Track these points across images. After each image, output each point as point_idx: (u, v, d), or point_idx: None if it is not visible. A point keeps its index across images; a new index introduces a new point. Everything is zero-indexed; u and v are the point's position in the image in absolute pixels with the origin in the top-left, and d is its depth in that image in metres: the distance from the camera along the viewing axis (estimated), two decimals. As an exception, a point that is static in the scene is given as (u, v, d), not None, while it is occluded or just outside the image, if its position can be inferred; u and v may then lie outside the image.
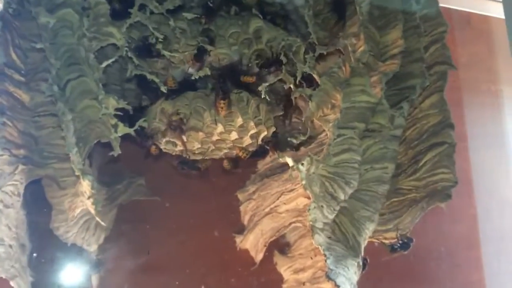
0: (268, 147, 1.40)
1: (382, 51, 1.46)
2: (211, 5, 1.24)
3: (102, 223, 1.12)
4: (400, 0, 1.48)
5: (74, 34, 1.12)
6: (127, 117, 1.12)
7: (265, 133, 1.35)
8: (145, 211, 1.48)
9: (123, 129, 1.07)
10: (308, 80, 1.32)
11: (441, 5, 2.46)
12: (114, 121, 1.06)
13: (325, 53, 1.33)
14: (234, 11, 1.29)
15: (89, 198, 1.06)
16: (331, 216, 1.22)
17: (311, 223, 1.17)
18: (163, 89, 1.16)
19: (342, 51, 1.37)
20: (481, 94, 2.46)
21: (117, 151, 1.06)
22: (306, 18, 1.32)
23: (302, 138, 1.42)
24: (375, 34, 1.45)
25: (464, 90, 2.41)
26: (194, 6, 1.25)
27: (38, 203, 1.21)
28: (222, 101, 1.24)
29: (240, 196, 1.64)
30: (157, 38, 1.16)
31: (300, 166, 1.19)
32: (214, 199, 1.62)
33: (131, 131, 1.08)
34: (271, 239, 1.51)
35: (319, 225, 1.19)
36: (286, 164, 1.25)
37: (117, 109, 1.08)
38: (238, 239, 1.56)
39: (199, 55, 1.18)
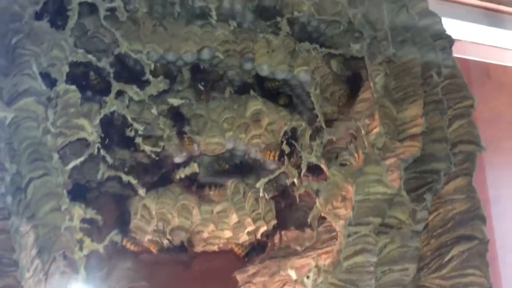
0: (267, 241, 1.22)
1: (400, 128, 1.27)
2: (202, 88, 1.08)
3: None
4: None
5: (38, 127, 0.95)
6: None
7: (265, 228, 1.16)
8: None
9: (90, 246, 0.88)
10: (313, 169, 1.13)
11: (458, 55, 2.29)
12: (79, 235, 0.88)
13: (334, 139, 1.15)
14: (229, 92, 1.12)
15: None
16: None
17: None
18: (142, 192, 0.98)
19: (354, 134, 1.20)
20: (503, 153, 2.27)
21: (81, 275, 0.87)
22: (312, 98, 1.15)
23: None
24: (391, 109, 1.27)
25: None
26: (182, 89, 1.08)
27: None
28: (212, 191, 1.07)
29: (239, 277, 1.44)
30: (136, 131, 0.99)
31: (305, 280, 1.00)
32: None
33: (100, 247, 0.90)
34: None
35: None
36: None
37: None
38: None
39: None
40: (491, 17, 2.28)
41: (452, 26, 2.12)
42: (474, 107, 1.33)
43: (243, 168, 1.16)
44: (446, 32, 1.38)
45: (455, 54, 2.35)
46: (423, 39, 1.35)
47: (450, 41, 1.37)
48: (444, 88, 1.35)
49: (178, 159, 1.07)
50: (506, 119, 2.38)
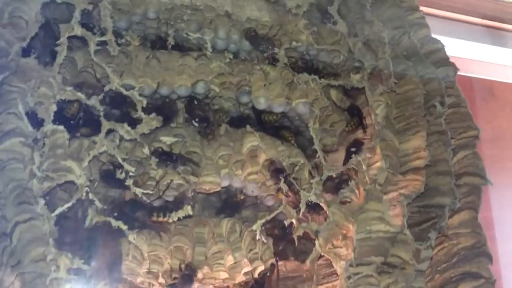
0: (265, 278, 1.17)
1: (402, 160, 1.23)
2: (196, 124, 1.03)
3: None
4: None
5: (25, 169, 0.91)
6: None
7: (262, 268, 1.11)
8: None
9: (77, 298, 0.84)
10: (313, 206, 1.09)
11: (461, 73, 2.24)
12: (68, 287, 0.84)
13: (334, 175, 1.10)
14: (225, 129, 1.08)
15: None
16: None
17: None
18: (132, 238, 0.94)
19: (355, 168, 1.15)
20: (508, 173, 2.22)
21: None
22: (311, 133, 1.11)
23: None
24: (393, 141, 1.23)
25: (488, 169, 2.18)
26: (175, 126, 1.04)
27: None
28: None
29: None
30: (127, 172, 0.95)
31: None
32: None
33: (88, 300, 0.85)
34: None
35: None
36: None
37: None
38: None
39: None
40: (494, 35, 2.25)
41: (455, 45, 2.10)
42: (479, 138, 1.29)
43: (237, 205, 1.12)
44: (450, 59, 1.34)
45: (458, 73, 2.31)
46: (425, 67, 1.30)
47: (453, 69, 1.33)
48: (448, 117, 1.31)
49: (170, 198, 1.03)
50: (509, 138, 2.34)
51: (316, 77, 1.17)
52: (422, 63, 1.30)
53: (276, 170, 1.08)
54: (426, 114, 1.27)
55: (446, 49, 1.99)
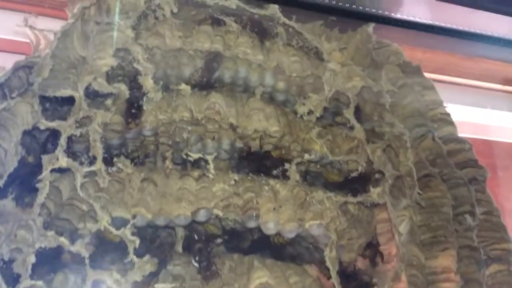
0: None
1: (429, 278, 1.10)
2: (196, 264, 0.91)
3: None
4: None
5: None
6: None
7: None
8: None
9: None
10: None
11: (479, 137, 2.10)
12: None
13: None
14: (229, 267, 0.95)
15: None
16: None
17: None
18: None
19: (377, 301, 1.02)
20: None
21: None
22: (327, 263, 0.98)
23: None
24: (419, 257, 1.10)
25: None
26: (171, 267, 0.91)
27: None
28: None
29: None
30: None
31: None
32: None
33: None
34: None
35: None
36: None
37: None
38: None
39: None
40: (514, 101, 2.13)
41: (475, 112, 1.99)
42: (512, 253, 1.15)
43: None
44: (477, 161, 1.22)
45: (477, 136, 2.17)
46: (451, 172, 1.18)
47: (483, 171, 1.20)
48: (478, 224, 1.18)
49: None
50: (534, 206, 2.19)
51: (332, 194, 1.04)
52: (448, 167, 1.18)
53: None
54: (454, 222, 1.15)
55: (465, 116, 1.85)
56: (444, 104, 1.26)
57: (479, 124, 2.06)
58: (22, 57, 1.01)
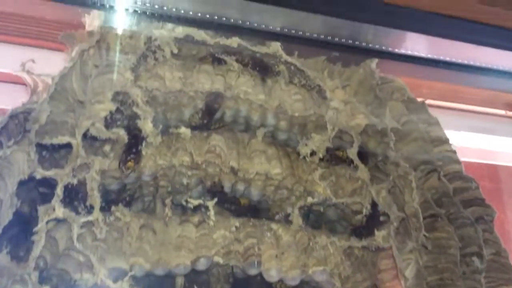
0: None
1: None
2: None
3: None
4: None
5: None
6: None
7: None
8: None
9: None
10: None
11: (485, 161, 2.06)
12: None
13: None
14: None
15: None
16: None
17: None
18: None
19: None
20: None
21: None
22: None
23: None
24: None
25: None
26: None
27: None
28: None
29: None
30: None
31: None
32: None
33: None
34: None
35: None
36: None
37: None
38: None
39: None
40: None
41: (482, 139, 1.96)
42: (520, 295, 1.12)
43: None
44: (485, 200, 1.19)
45: (482, 161, 2.13)
46: (458, 211, 1.15)
47: (491, 211, 1.17)
48: (486, 266, 1.14)
49: None
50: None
51: (336, 239, 1.01)
52: (454, 206, 1.15)
53: None
54: (462, 264, 1.12)
55: (470, 142, 1.82)
56: (448, 134, 1.24)
57: (485, 149, 2.03)
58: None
